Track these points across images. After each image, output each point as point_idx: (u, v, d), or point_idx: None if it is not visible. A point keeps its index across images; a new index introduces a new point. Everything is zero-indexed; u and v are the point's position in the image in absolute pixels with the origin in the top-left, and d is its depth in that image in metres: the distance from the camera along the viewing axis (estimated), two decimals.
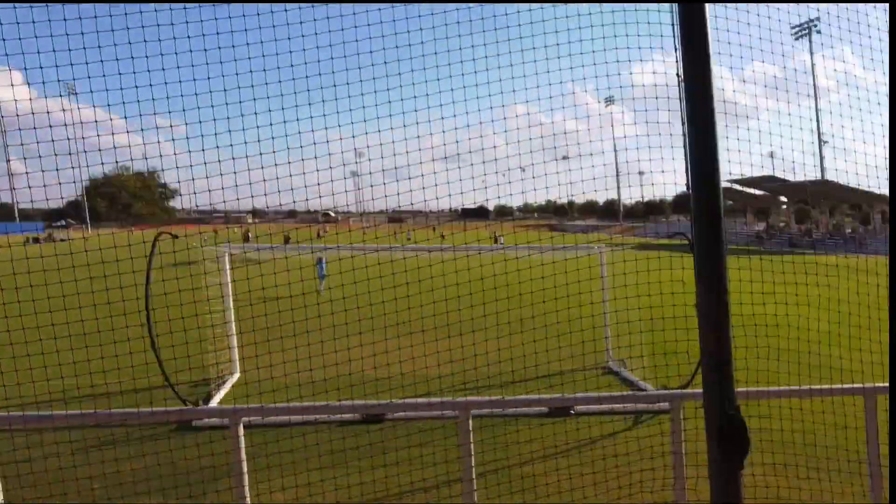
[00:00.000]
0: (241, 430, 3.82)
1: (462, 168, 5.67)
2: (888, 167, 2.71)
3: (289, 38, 4.74)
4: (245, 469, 3.82)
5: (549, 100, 5.68)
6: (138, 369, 8.41)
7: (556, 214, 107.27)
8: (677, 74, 2.80)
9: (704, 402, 2.47)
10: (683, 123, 2.53)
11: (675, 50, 2.95)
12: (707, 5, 2.40)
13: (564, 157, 5.87)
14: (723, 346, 2.51)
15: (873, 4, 3.59)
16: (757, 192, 56.99)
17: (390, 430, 7.71)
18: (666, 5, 4.74)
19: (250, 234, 42.55)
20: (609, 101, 67.60)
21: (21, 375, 8.92)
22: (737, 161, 5.74)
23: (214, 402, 8.25)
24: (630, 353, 10.65)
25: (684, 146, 2.74)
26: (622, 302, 10.26)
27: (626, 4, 5.34)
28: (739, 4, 5.04)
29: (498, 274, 9.51)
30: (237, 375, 10.68)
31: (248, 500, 3.81)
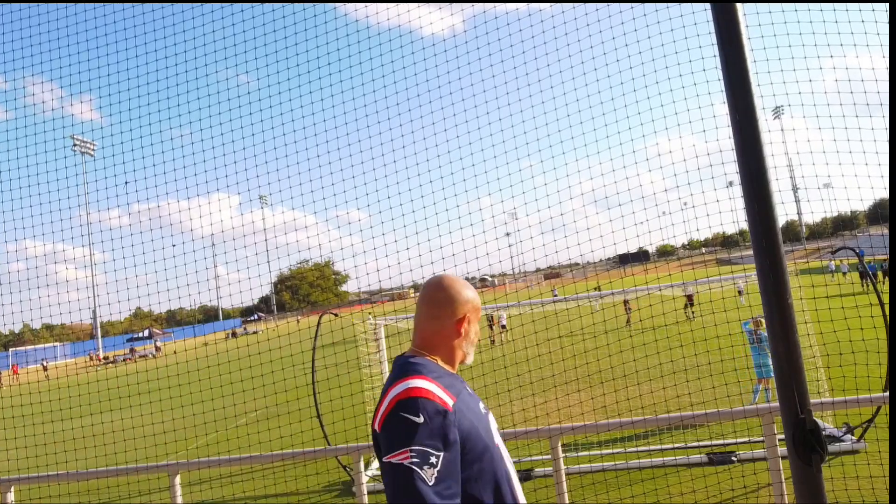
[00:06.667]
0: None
1: (616, 208, 5.34)
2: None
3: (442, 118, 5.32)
4: None
5: (702, 121, 5.21)
6: (308, 439, 9.48)
7: (725, 246, 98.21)
8: None
9: (780, 408, 2.47)
10: None
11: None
12: None
13: (730, 184, 5.37)
14: (792, 352, 2.51)
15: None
16: None
17: (542, 487, 7.76)
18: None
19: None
20: (777, 111, 61.84)
21: (207, 440, 10.62)
22: None
23: (373, 470, 8.88)
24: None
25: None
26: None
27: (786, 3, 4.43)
28: None
29: (645, 319, 9.28)
30: None
31: None
